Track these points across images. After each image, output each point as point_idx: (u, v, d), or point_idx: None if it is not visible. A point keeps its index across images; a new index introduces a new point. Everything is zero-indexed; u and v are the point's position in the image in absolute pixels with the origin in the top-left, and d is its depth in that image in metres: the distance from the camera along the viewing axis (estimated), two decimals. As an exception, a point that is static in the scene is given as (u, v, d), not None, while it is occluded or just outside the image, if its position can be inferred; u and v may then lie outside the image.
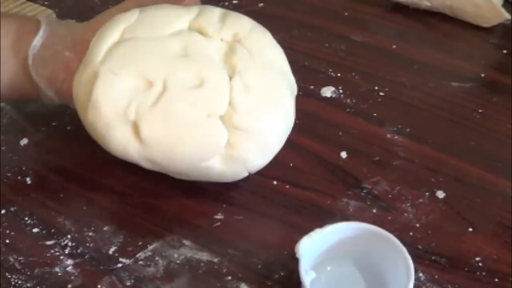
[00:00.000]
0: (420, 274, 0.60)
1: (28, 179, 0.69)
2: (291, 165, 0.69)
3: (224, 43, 0.64)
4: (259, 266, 0.61)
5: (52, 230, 0.64)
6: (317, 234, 0.57)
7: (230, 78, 0.62)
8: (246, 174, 0.65)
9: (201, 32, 0.64)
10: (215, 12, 0.66)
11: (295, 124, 0.69)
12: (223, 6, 0.90)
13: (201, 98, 0.61)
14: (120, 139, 0.62)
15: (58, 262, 0.61)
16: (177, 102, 0.60)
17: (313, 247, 0.56)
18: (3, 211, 0.66)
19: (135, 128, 0.61)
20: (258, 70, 0.63)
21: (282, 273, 0.59)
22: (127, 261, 0.61)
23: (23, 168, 0.70)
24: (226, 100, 0.61)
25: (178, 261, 0.61)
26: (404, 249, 0.56)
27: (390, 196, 0.66)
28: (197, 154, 0.61)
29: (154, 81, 0.61)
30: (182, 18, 0.65)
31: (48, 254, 0.62)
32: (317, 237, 0.57)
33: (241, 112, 0.61)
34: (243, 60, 0.63)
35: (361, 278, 0.59)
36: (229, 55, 0.63)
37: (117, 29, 0.64)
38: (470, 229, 0.63)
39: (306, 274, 0.55)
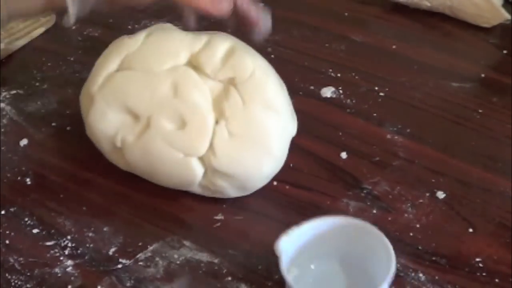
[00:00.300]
0: (420, 275, 0.60)
1: (28, 179, 0.69)
2: (291, 165, 0.69)
3: (219, 83, 0.64)
4: (259, 267, 0.61)
5: (52, 231, 0.64)
6: (294, 231, 0.57)
7: (217, 122, 0.63)
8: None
9: (199, 69, 0.65)
10: (221, 47, 0.65)
11: (295, 124, 0.70)
12: (223, 6, 0.90)
13: (179, 140, 0.63)
14: (110, 155, 0.68)
15: (58, 263, 0.61)
16: (157, 139, 0.64)
17: (292, 245, 0.57)
18: (3, 212, 0.66)
19: (122, 153, 0.66)
20: (247, 120, 0.63)
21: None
22: (127, 262, 0.61)
23: (23, 169, 0.70)
24: (206, 144, 0.63)
25: (178, 262, 0.61)
26: (383, 236, 0.56)
27: (390, 196, 0.66)
28: (174, 184, 0.66)
29: (141, 117, 0.64)
30: (183, 51, 0.65)
31: (48, 255, 0.62)
32: (295, 235, 0.57)
33: (220, 157, 0.63)
34: (233, 107, 0.63)
35: (344, 274, 0.59)
36: (221, 99, 0.64)
37: (119, 56, 0.66)
38: (470, 230, 0.63)
39: (288, 273, 0.55)
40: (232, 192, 0.65)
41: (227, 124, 0.63)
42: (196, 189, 0.65)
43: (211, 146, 0.63)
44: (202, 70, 0.64)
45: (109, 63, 0.66)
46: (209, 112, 0.63)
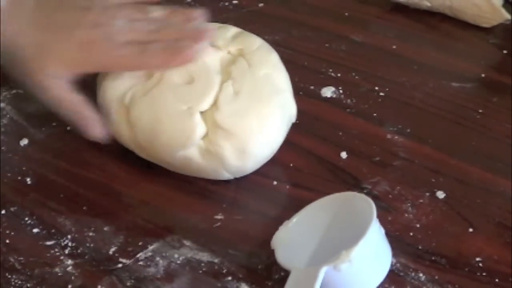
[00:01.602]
0: (421, 275, 0.60)
1: (28, 179, 0.69)
2: (291, 165, 0.69)
3: (229, 55, 0.68)
4: (259, 266, 0.61)
5: (52, 230, 0.64)
6: (287, 225, 0.60)
7: (224, 82, 0.66)
8: (228, 175, 0.67)
9: (212, 45, 0.68)
10: (231, 30, 0.70)
11: (295, 124, 0.70)
12: (223, 6, 0.91)
13: (185, 92, 0.66)
14: (115, 120, 0.68)
15: (58, 263, 0.61)
16: (165, 93, 0.66)
17: (288, 238, 0.59)
18: (3, 211, 0.66)
19: (127, 112, 0.67)
20: (252, 81, 0.66)
21: (282, 273, 0.59)
22: (127, 262, 0.61)
23: (23, 168, 0.70)
24: (210, 99, 0.65)
25: (178, 262, 0.61)
26: (364, 196, 0.59)
27: (390, 196, 0.66)
28: (175, 142, 0.65)
29: (154, 74, 0.67)
30: None
31: (48, 254, 0.62)
32: (288, 228, 0.60)
33: (223, 112, 0.65)
34: (240, 69, 0.67)
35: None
36: (229, 64, 0.67)
37: None
38: (471, 230, 0.63)
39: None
40: (231, 157, 0.65)
41: (233, 83, 0.66)
42: (195, 154, 0.65)
43: (215, 102, 0.65)
44: (214, 43, 0.68)
45: None
46: (217, 72, 0.67)
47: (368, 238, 0.54)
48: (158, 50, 0.67)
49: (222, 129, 0.64)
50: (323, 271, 0.53)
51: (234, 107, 0.65)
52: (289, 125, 0.69)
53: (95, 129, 0.67)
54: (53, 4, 0.68)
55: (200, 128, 0.65)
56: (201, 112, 0.65)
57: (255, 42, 0.69)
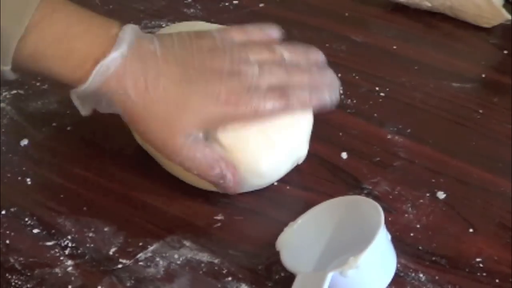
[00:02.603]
0: (421, 275, 0.60)
1: (28, 179, 0.69)
2: (291, 165, 0.69)
3: None
4: (259, 267, 0.61)
5: (52, 231, 0.64)
6: (292, 226, 0.60)
7: None
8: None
9: None
10: None
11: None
12: (224, 7, 0.91)
13: None
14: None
15: (58, 263, 0.61)
16: None
17: (293, 240, 0.58)
18: (3, 212, 0.66)
19: None
20: None
21: (282, 274, 0.59)
22: (127, 262, 0.61)
23: (23, 169, 0.70)
24: None
25: (178, 262, 0.61)
26: (372, 201, 0.58)
27: (390, 196, 0.66)
28: None
29: None
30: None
31: (48, 255, 0.62)
32: (293, 230, 0.59)
33: (227, 135, 0.63)
34: None
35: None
36: None
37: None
38: (471, 230, 0.63)
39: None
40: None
41: None
42: None
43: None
44: None
45: None
46: None
47: (375, 244, 0.54)
48: (300, 95, 0.63)
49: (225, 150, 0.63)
50: (330, 276, 0.53)
51: (239, 133, 0.63)
52: (294, 164, 0.67)
53: (231, 182, 0.63)
54: (178, 51, 0.62)
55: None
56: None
57: None
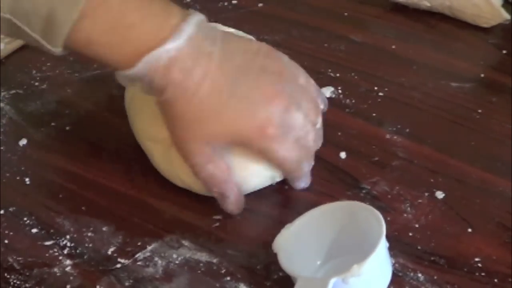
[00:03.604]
0: (419, 275, 0.60)
1: (27, 179, 0.69)
2: (290, 165, 0.69)
3: None
4: (258, 267, 0.61)
5: (51, 231, 0.64)
6: (289, 228, 0.59)
7: None
8: None
9: None
10: (230, 31, 0.68)
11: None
12: (223, 6, 0.91)
13: None
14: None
15: (57, 263, 0.61)
16: None
17: (290, 241, 0.58)
18: (2, 211, 0.66)
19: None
20: None
21: (281, 274, 0.59)
22: (126, 262, 0.61)
23: (22, 168, 0.70)
24: None
25: (177, 262, 0.61)
26: (373, 209, 0.58)
27: (389, 196, 0.66)
28: None
29: None
30: None
31: (47, 255, 0.62)
32: (290, 231, 0.59)
33: None
34: None
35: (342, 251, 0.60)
36: None
37: None
38: (470, 230, 0.63)
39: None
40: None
41: None
42: None
43: None
44: None
45: None
46: None
47: (377, 252, 0.54)
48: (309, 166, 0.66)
49: None
50: (332, 282, 0.53)
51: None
52: (274, 180, 0.66)
53: (232, 205, 0.63)
54: (237, 61, 0.60)
55: None
56: None
57: None
